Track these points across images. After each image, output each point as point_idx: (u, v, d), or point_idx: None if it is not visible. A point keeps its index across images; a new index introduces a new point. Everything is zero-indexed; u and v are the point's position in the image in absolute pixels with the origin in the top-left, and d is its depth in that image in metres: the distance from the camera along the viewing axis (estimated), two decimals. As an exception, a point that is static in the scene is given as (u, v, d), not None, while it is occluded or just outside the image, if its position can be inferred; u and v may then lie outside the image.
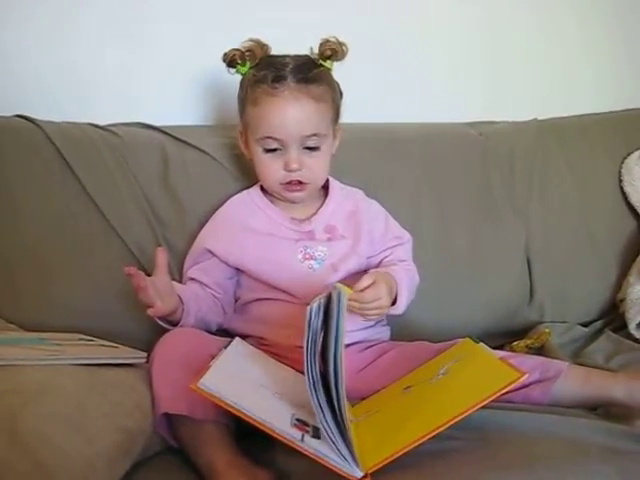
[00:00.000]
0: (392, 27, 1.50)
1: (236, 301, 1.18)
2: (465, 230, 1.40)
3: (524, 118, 1.57)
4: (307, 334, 0.78)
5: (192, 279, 1.14)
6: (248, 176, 1.26)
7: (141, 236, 1.20)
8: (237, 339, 1.03)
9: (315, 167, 1.13)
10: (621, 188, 1.52)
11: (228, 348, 0.96)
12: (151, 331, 1.06)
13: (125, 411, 0.84)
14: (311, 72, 1.10)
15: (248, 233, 1.15)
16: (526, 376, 0.80)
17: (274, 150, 1.11)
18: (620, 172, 1.52)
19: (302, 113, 1.08)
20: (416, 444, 0.76)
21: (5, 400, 0.74)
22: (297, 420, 0.80)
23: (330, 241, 1.16)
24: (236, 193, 1.22)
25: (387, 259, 1.19)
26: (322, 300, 0.80)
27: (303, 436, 0.77)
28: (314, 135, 1.10)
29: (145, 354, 0.96)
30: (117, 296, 1.16)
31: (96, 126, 1.26)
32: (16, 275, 1.14)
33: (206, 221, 1.20)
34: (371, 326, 1.17)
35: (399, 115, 1.46)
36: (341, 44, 1.13)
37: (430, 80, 1.57)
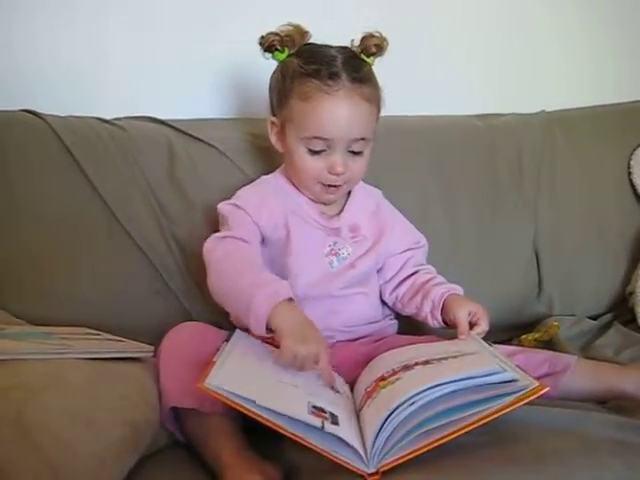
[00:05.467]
0: (399, 19, 1.49)
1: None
2: (473, 223, 1.40)
3: (532, 110, 1.56)
4: None
5: (245, 241, 1.06)
6: (256, 169, 1.25)
7: (147, 229, 1.19)
8: (238, 331, 1.02)
9: (356, 171, 1.10)
10: (630, 180, 1.52)
11: (231, 341, 0.95)
12: (157, 325, 1.05)
13: (132, 405, 0.83)
14: (362, 70, 1.06)
15: (288, 211, 1.12)
16: (547, 389, 0.79)
17: (319, 151, 1.07)
18: (629, 164, 1.52)
19: (355, 115, 1.05)
20: (432, 447, 0.75)
21: (11, 394, 0.73)
22: (314, 407, 0.79)
23: (353, 239, 1.14)
24: (242, 185, 1.20)
25: (416, 267, 1.19)
26: None
27: (323, 423, 0.76)
28: (362, 139, 1.07)
29: (152, 348, 0.96)
30: (123, 290, 1.16)
31: (102, 120, 1.25)
32: (21, 269, 1.13)
33: (213, 215, 1.19)
34: (379, 320, 1.17)
35: (405, 107, 1.45)
36: (384, 39, 1.09)
37: (437, 72, 1.57)
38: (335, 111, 1.04)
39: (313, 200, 1.14)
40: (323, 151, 1.07)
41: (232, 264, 1.00)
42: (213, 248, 1.04)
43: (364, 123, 1.07)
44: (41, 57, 1.30)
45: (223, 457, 0.85)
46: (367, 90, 1.06)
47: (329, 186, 1.10)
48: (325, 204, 1.15)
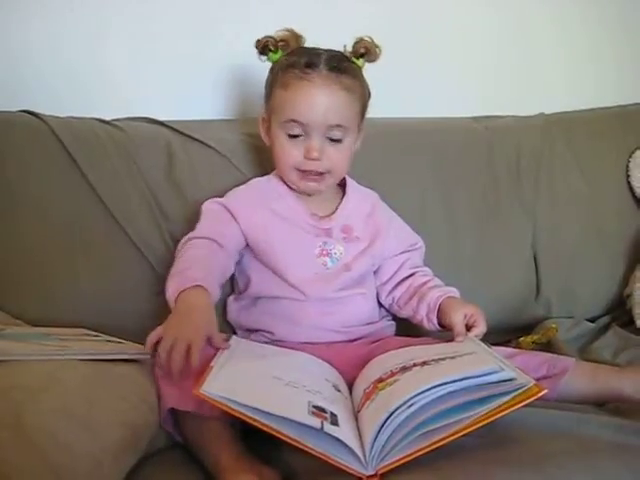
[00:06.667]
0: (398, 23, 1.50)
1: (241, 293, 1.17)
2: (471, 226, 1.40)
3: (531, 112, 1.56)
4: None
5: (220, 245, 1.08)
6: (254, 170, 1.26)
7: (146, 231, 1.19)
8: (234, 337, 1.03)
9: (335, 158, 1.11)
10: (628, 183, 1.52)
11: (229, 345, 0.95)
12: (157, 326, 1.05)
13: (131, 406, 0.83)
14: (343, 64, 1.09)
15: (273, 215, 1.14)
16: (545, 391, 0.79)
17: (297, 136, 1.09)
18: (627, 167, 1.52)
19: (330, 101, 1.07)
20: (431, 448, 0.75)
21: (10, 396, 0.73)
22: (314, 407, 0.79)
23: (345, 240, 1.15)
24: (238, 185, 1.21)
25: (412, 269, 1.20)
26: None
27: (322, 423, 0.75)
28: (339, 126, 1.08)
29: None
30: (122, 291, 1.16)
31: (101, 121, 1.25)
32: (20, 269, 1.13)
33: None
34: (376, 321, 1.17)
35: (403, 109, 1.45)
36: (375, 45, 1.12)
37: (436, 75, 1.57)
38: (310, 96, 1.06)
39: (302, 194, 1.15)
40: (300, 136, 1.09)
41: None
42: (180, 252, 1.08)
43: (341, 110, 1.08)
44: (40, 58, 1.30)
45: (221, 461, 0.85)
46: (346, 80, 1.08)
47: (306, 173, 1.11)
48: (308, 195, 1.15)
